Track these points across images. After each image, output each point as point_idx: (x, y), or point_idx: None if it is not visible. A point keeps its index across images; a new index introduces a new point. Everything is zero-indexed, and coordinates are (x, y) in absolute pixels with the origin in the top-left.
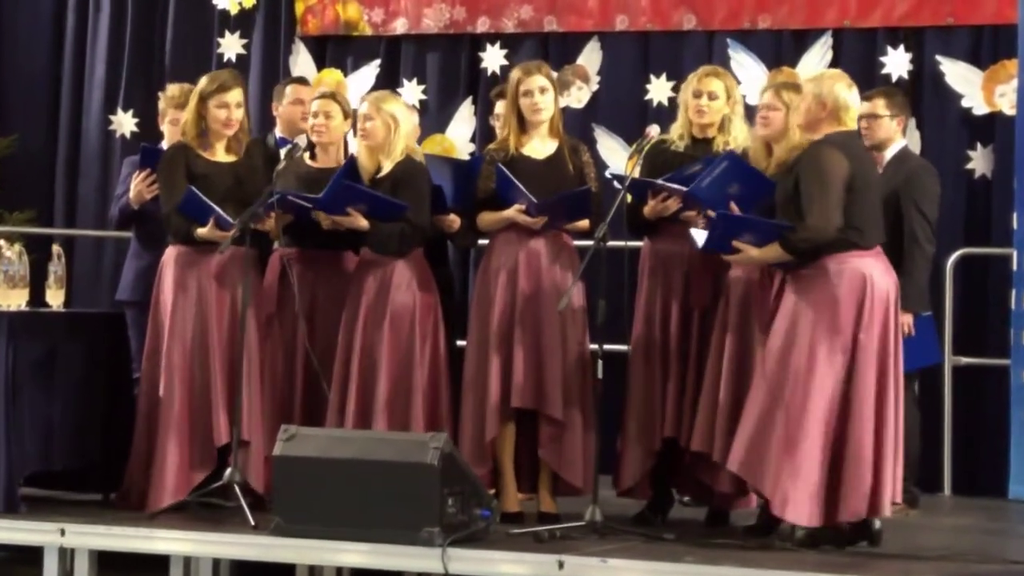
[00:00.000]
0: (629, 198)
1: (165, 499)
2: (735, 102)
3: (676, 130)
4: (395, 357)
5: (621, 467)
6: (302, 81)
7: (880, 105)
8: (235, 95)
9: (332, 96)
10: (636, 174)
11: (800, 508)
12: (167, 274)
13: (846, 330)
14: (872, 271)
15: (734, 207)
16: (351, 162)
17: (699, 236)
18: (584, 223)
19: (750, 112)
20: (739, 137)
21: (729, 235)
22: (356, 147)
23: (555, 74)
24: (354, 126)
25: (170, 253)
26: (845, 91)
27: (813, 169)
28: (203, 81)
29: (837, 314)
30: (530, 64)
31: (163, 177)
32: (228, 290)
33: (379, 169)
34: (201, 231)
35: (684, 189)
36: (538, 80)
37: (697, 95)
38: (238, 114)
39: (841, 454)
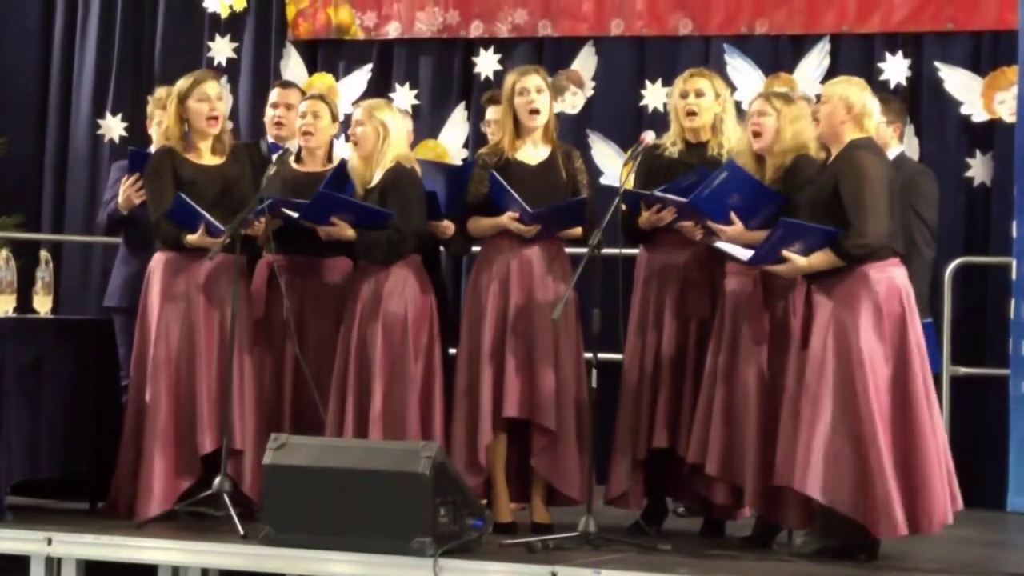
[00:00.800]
0: (624, 206)
1: (152, 508)
2: (725, 100)
3: (670, 136)
4: (388, 365)
5: (610, 476)
6: (284, 84)
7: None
8: (213, 87)
9: (321, 98)
10: (631, 180)
11: (895, 522)
12: (154, 280)
13: (888, 339)
14: (904, 279)
15: (735, 218)
16: (340, 169)
17: (738, 251)
18: (577, 231)
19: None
20: (732, 138)
21: (783, 243)
22: (348, 153)
23: (550, 79)
24: (346, 131)
25: (158, 259)
26: (870, 98)
27: (859, 174)
28: (179, 82)
29: (881, 322)
30: (526, 67)
31: (150, 183)
32: (216, 297)
33: (371, 178)
34: (191, 238)
35: (684, 200)
36: (534, 79)
37: (684, 95)
38: (221, 107)
39: (909, 467)
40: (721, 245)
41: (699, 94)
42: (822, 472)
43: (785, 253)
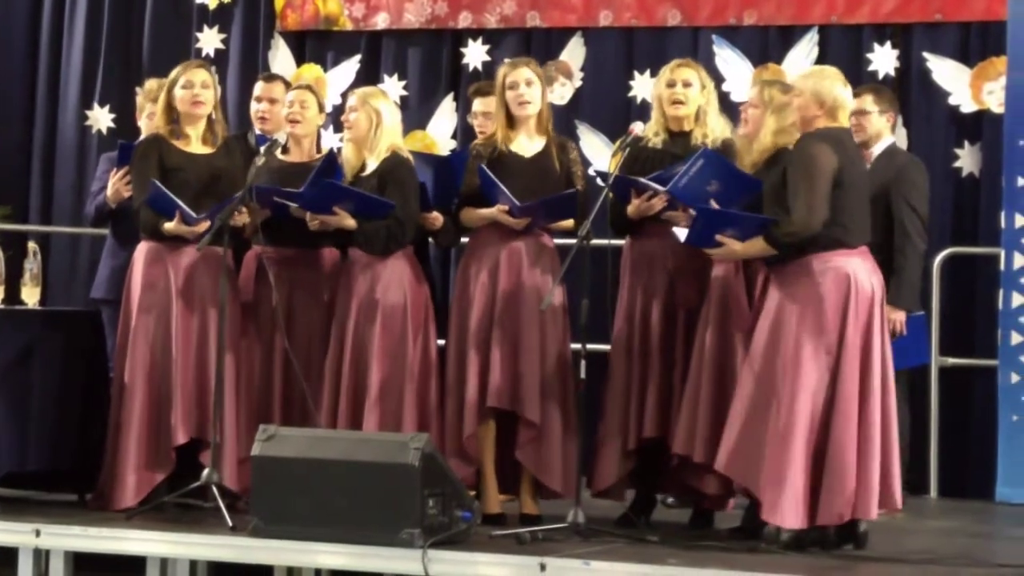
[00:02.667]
0: (611, 196)
1: (126, 499)
2: (709, 93)
3: (652, 127)
4: (387, 355)
5: (596, 468)
6: (268, 78)
7: (868, 101)
8: (200, 74)
9: (308, 87)
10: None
11: (786, 511)
12: (136, 270)
13: (831, 330)
14: (857, 270)
15: (715, 205)
16: (329, 158)
17: (682, 232)
18: (569, 222)
19: (734, 109)
20: (716, 129)
21: (711, 230)
22: (339, 142)
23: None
24: (334, 121)
25: (140, 249)
26: (842, 89)
27: (800, 162)
28: (172, 72)
29: (822, 313)
30: (517, 59)
31: (135, 170)
32: (195, 287)
33: (364, 166)
34: (168, 226)
35: (662, 189)
36: (524, 72)
37: (671, 84)
38: (205, 94)
39: (824, 456)
40: (674, 229)
41: (687, 84)
42: (731, 448)
43: (720, 238)
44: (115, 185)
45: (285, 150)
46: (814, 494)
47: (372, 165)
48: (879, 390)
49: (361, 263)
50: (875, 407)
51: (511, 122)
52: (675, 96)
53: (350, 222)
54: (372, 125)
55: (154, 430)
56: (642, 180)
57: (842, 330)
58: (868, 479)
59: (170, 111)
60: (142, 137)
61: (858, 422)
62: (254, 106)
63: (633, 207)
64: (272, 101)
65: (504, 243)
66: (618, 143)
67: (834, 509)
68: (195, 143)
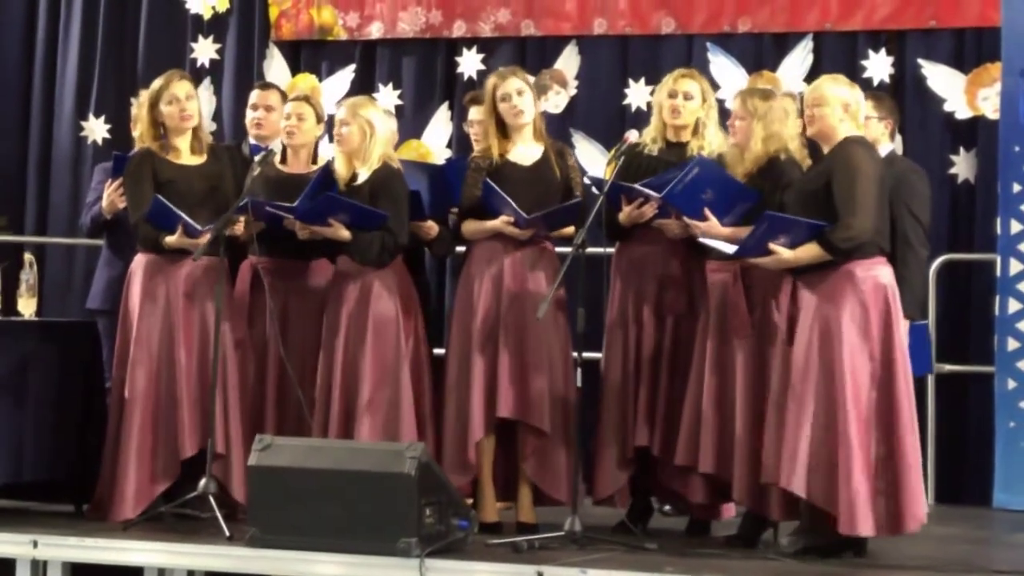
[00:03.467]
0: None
1: (126, 511)
2: (710, 106)
3: (650, 133)
4: (379, 366)
5: (597, 476)
6: (263, 87)
7: (869, 107)
8: (182, 87)
9: (305, 99)
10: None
11: (861, 520)
12: (135, 282)
13: (875, 336)
14: (891, 279)
15: (708, 213)
16: (326, 169)
17: (723, 245)
18: (570, 229)
19: (727, 116)
20: (713, 142)
21: (768, 237)
22: (332, 153)
23: (531, 78)
24: (330, 132)
25: (138, 261)
26: (859, 92)
27: (852, 169)
28: (152, 86)
29: (867, 320)
30: (503, 69)
31: (129, 185)
32: (196, 299)
33: (354, 176)
34: (170, 239)
35: (657, 196)
36: (514, 83)
37: (672, 95)
38: (191, 106)
39: (890, 463)
40: (710, 241)
41: (687, 96)
42: (806, 470)
43: (771, 246)
44: (110, 196)
45: (283, 160)
46: (878, 503)
47: (364, 175)
48: (910, 398)
49: (350, 274)
50: (915, 415)
51: (504, 132)
52: (675, 107)
53: (344, 233)
54: (365, 137)
55: (157, 442)
56: (636, 187)
57: (887, 336)
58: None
59: (156, 126)
60: (134, 151)
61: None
62: (249, 114)
63: (624, 214)
64: (268, 109)
65: (507, 251)
66: (613, 151)
67: (916, 514)
68: (185, 154)
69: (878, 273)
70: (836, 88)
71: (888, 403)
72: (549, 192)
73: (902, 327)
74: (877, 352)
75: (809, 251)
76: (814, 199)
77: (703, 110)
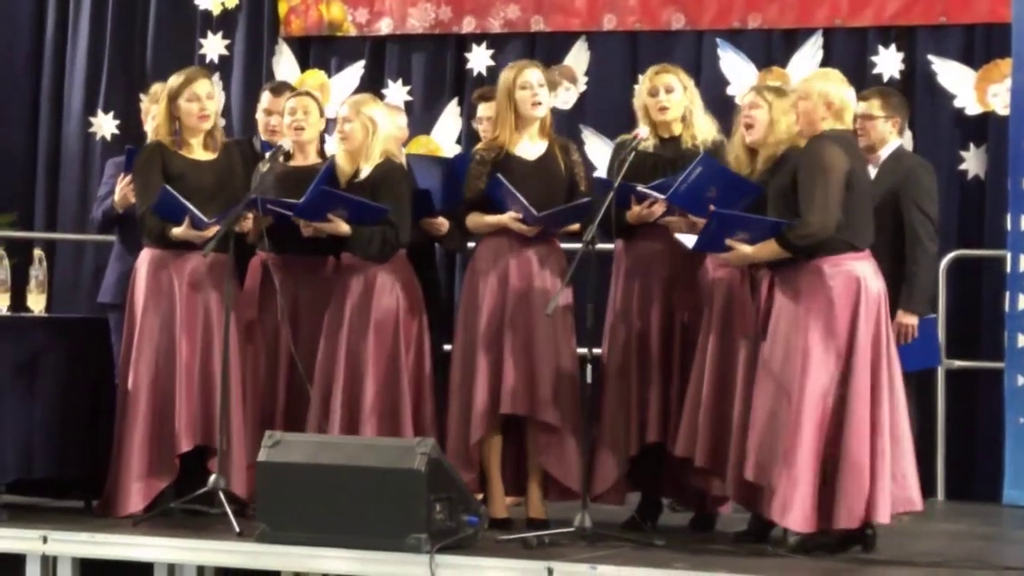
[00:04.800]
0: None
1: (129, 506)
2: (692, 93)
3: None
4: (381, 362)
5: (594, 472)
6: (275, 91)
7: (876, 106)
8: (204, 85)
9: (308, 93)
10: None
11: (795, 513)
12: (140, 276)
13: (840, 333)
14: (865, 274)
15: (714, 208)
16: (330, 167)
17: (686, 239)
18: (577, 226)
19: (737, 111)
20: (704, 129)
21: (723, 233)
22: (335, 149)
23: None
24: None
25: (145, 255)
26: (848, 90)
27: (814, 165)
28: (171, 80)
29: (832, 317)
30: (521, 61)
31: (138, 177)
32: (200, 295)
33: (357, 172)
34: (176, 231)
35: (661, 196)
36: (535, 74)
37: (654, 93)
38: (211, 105)
39: (837, 459)
40: (677, 235)
41: (668, 90)
42: (754, 455)
43: (730, 242)
44: (122, 190)
45: (289, 156)
46: (827, 498)
47: (366, 171)
48: (887, 392)
49: (354, 268)
50: (885, 410)
51: (516, 124)
52: (660, 104)
53: (344, 228)
54: (368, 134)
55: (157, 437)
56: (643, 189)
57: (852, 333)
58: (880, 482)
59: (172, 120)
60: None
61: (871, 425)
62: (262, 118)
63: (633, 214)
64: (282, 114)
65: (513, 247)
66: (617, 141)
67: (852, 512)
68: (197, 150)
69: (850, 268)
70: (823, 84)
71: (843, 400)
72: (554, 187)
73: (883, 323)
74: (843, 348)
75: (768, 248)
76: (783, 196)
77: (687, 98)
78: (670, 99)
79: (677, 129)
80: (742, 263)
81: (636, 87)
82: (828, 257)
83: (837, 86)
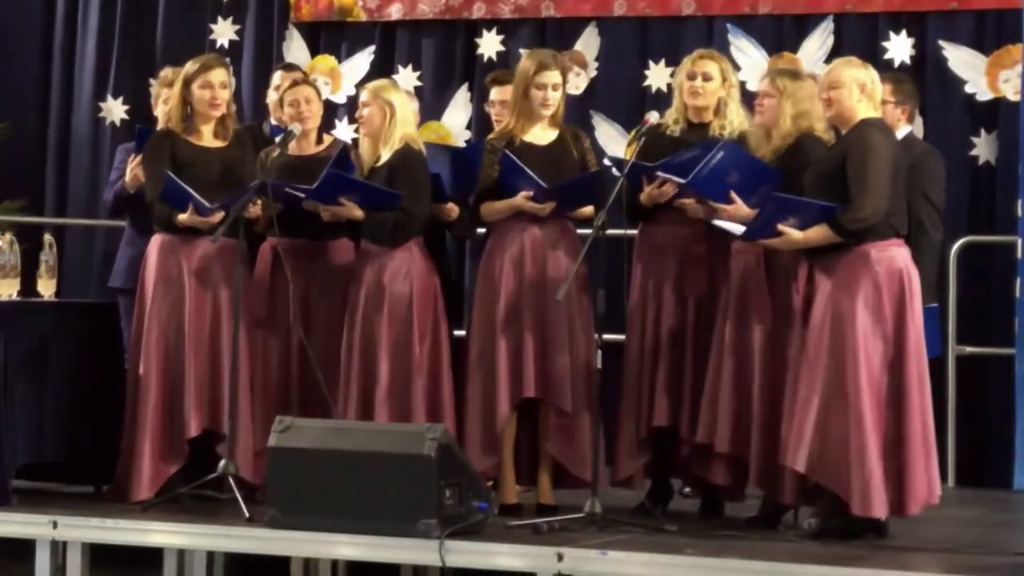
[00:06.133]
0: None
1: (141, 491)
2: (731, 85)
3: (671, 114)
4: (394, 347)
5: (616, 457)
6: (287, 68)
7: (887, 91)
8: (219, 74)
9: (306, 81)
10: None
11: (875, 502)
12: (150, 262)
13: (888, 318)
14: (907, 261)
15: (734, 196)
16: (343, 152)
17: (732, 227)
18: (588, 210)
19: (749, 98)
20: (735, 121)
21: (775, 219)
22: (350, 135)
23: (565, 62)
24: (351, 113)
25: (155, 241)
26: (874, 73)
27: (865, 150)
28: (187, 65)
29: (880, 302)
30: (545, 55)
31: (147, 165)
32: (209, 280)
33: (378, 158)
34: (182, 217)
35: (682, 180)
36: (554, 76)
37: (691, 77)
38: (223, 94)
39: (900, 446)
40: (718, 222)
41: (707, 78)
42: (808, 448)
43: (780, 227)
44: (133, 170)
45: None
46: (893, 484)
47: (385, 157)
48: (927, 380)
49: (370, 254)
50: (928, 397)
51: (529, 113)
52: (694, 88)
53: (357, 213)
54: (386, 119)
55: (168, 422)
56: (655, 166)
57: (900, 318)
58: (932, 467)
59: (184, 106)
60: (156, 129)
61: (921, 411)
62: (273, 96)
63: (645, 194)
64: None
65: (527, 231)
66: (633, 132)
67: (917, 499)
68: (207, 137)
69: (893, 255)
70: (851, 70)
71: (899, 385)
72: (565, 173)
73: (920, 310)
74: (891, 334)
75: (819, 233)
76: (829, 181)
77: (723, 90)
78: (705, 86)
79: (707, 117)
80: (791, 248)
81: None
82: (876, 243)
83: (865, 70)
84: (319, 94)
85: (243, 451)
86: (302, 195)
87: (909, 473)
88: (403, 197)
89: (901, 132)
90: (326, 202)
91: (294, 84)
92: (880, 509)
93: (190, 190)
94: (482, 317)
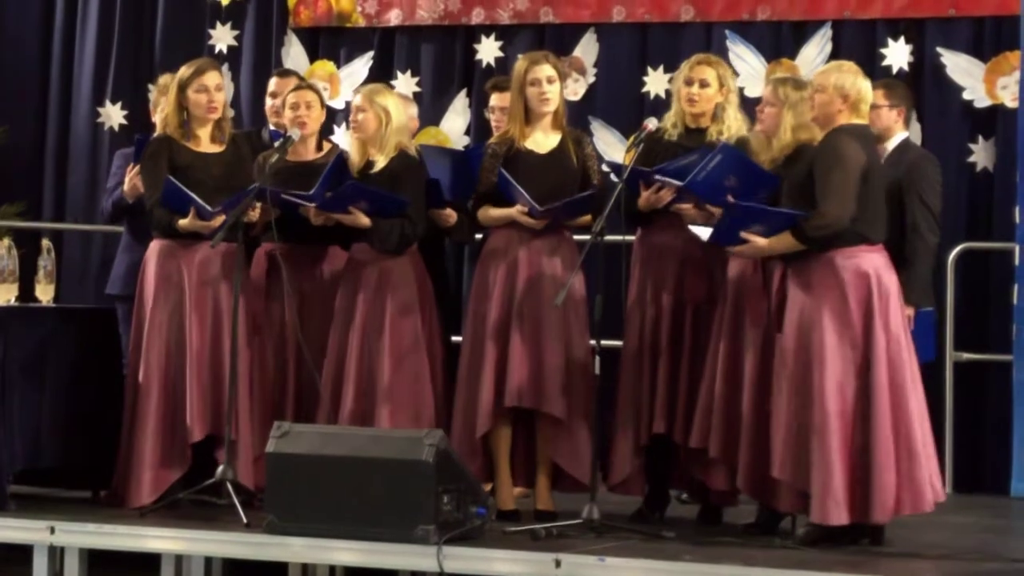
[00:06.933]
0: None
1: (142, 497)
2: (729, 91)
3: (670, 119)
4: (398, 354)
5: (611, 462)
6: (281, 74)
7: (879, 95)
8: (213, 77)
9: (309, 86)
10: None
11: (830, 508)
12: (150, 268)
13: (855, 324)
14: (877, 267)
15: (732, 200)
16: (341, 157)
17: (702, 231)
18: (587, 218)
19: (748, 105)
20: (733, 126)
21: (738, 226)
22: (347, 140)
23: (562, 65)
24: (348, 118)
25: (153, 247)
26: (864, 82)
27: (831, 157)
28: (181, 70)
29: (846, 308)
30: (536, 54)
31: (145, 170)
32: (210, 285)
33: (369, 163)
34: (183, 222)
35: (679, 183)
36: (546, 69)
37: (689, 83)
38: (219, 97)
39: (865, 452)
40: (692, 227)
41: (703, 84)
42: (779, 452)
43: (745, 234)
44: (131, 180)
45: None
46: (855, 491)
47: (381, 163)
48: (909, 384)
49: (366, 260)
50: (907, 401)
51: (528, 117)
52: (691, 95)
53: (365, 220)
54: (382, 124)
55: (170, 428)
56: (653, 171)
57: (867, 324)
58: (905, 474)
59: (181, 111)
60: (153, 136)
61: (896, 418)
62: (269, 101)
63: (643, 199)
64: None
65: (523, 239)
66: (631, 138)
67: (885, 506)
68: (204, 142)
69: (860, 261)
70: (839, 76)
71: (867, 391)
72: (565, 180)
73: (896, 315)
74: (859, 340)
75: (784, 240)
76: (801, 189)
77: (721, 96)
78: (702, 93)
79: (705, 122)
80: (757, 255)
81: (673, 74)
82: (842, 250)
83: (853, 78)
84: (322, 100)
85: (243, 456)
86: (310, 203)
87: (877, 480)
88: (410, 203)
89: (897, 137)
90: (334, 210)
91: (298, 87)
92: (837, 516)
93: (191, 194)
94: (474, 323)
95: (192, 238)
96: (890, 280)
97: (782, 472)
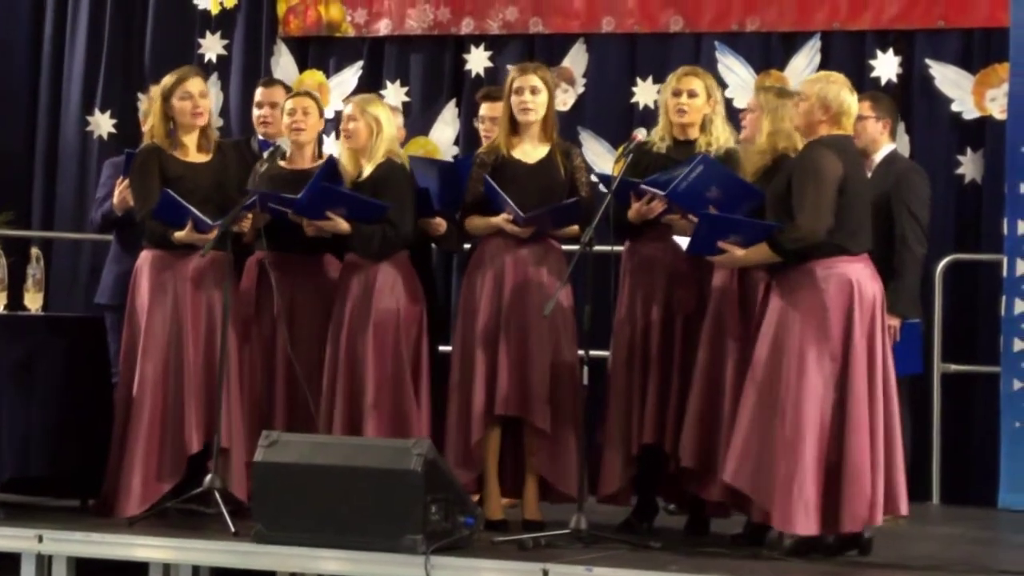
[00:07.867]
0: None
1: (132, 507)
2: (716, 102)
3: (658, 132)
4: (381, 362)
5: (602, 473)
6: (267, 83)
7: (865, 107)
8: (196, 84)
9: (308, 94)
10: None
11: (797, 518)
12: (142, 278)
13: (835, 337)
14: (859, 277)
15: (713, 211)
16: (330, 164)
17: (683, 241)
18: (574, 228)
19: (737, 116)
20: (721, 138)
21: (715, 236)
22: (338, 149)
23: (553, 77)
24: (337, 127)
25: (145, 256)
26: (848, 95)
27: (807, 169)
28: (164, 79)
29: (826, 320)
30: (527, 64)
31: (136, 180)
32: (203, 295)
33: (360, 173)
34: (179, 234)
35: (662, 194)
36: (531, 79)
37: (676, 94)
38: (204, 103)
39: (839, 463)
40: (675, 238)
41: (691, 94)
42: (735, 457)
43: (722, 244)
44: (121, 193)
45: (285, 157)
46: (829, 501)
47: (368, 170)
48: (882, 396)
49: (356, 268)
50: (880, 413)
51: (515, 128)
52: (679, 106)
53: (344, 226)
54: (372, 134)
55: (163, 438)
56: (641, 185)
57: (846, 337)
58: (876, 485)
59: (167, 120)
60: (141, 146)
61: (870, 429)
62: (255, 111)
63: (633, 210)
64: (273, 105)
65: (510, 249)
66: (620, 149)
67: (856, 516)
68: (192, 151)
69: (842, 271)
70: (823, 87)
71: (843, 402)
72: (552, 191)
73: (879, 325)
74: (838, 352)
75: (759, 251)
76: (781, 201)
77: (708, 107)
78: (690, 103)
79: (694, 134)
80: (734, 265)
81: (660, 85)
82: (821, 261)
83: (837, 90)
84: (320, 109)
85: (237, 466)
86: (289, 209)
87: (848, 490)
88: (390, 209)
89: (885, 150)
90: (313, 217)
91: (296, 94)
92: (804, 526)
93: (189, 206)
94: (463, 332)
95: (184, 248)
96: (873, 289)
97: (735, 479)
